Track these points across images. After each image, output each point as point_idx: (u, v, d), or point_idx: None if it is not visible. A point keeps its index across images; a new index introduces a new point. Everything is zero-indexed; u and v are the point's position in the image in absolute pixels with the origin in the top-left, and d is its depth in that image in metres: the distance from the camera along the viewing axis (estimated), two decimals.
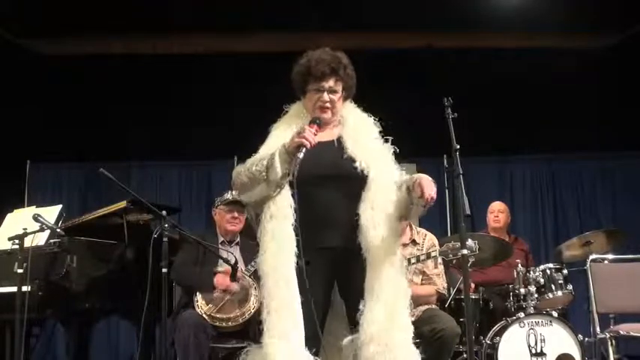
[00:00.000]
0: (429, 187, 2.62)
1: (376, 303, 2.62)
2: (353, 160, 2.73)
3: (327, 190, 2.70)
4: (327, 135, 2.79)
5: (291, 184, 2.67)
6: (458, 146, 2.82)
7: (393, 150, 2.84)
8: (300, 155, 2.61)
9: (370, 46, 6.67)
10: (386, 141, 2.85)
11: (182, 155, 6.91)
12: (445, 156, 5.47)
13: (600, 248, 4.95)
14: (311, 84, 2.79)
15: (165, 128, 6.62)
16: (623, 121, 6.58)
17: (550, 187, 7.10)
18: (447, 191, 6.66)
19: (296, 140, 2.65)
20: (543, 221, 6.99)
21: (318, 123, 2.74)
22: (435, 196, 2.64)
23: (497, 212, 5.49)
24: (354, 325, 2.70)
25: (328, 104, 2.78)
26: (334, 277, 2.76)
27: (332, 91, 2.79)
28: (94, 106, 6.58)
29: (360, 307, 2.64)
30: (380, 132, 2.87)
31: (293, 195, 2.67)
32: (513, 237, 5.57)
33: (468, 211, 2.71)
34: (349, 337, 2.71)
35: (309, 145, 2.63)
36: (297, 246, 2.64)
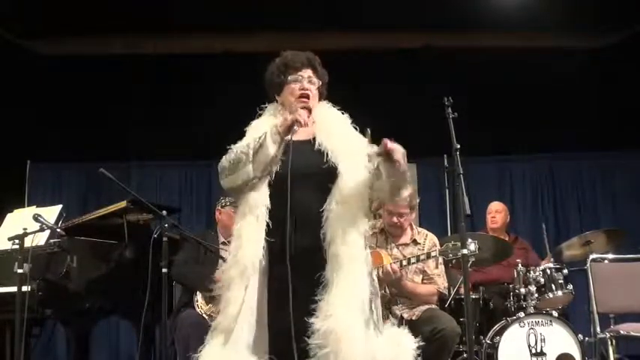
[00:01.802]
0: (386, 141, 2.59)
1: (331, 295, 2.55)
2: (325, 156, 2.70)
3: (302, 189, 2.66)
4: (303, 134, 2.78)
5: (270, 183, 2.66)
6: (458, 146, 2.82)
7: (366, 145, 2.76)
8: (295, 127, 2.63)
9: (370, 46, 6.67)
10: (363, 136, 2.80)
11: (182, 155, 6.91)
12: (445, 156, 5.47)
13: (600, 248, 4.95)
14: (289, 75, 2.82)
15: (165, 128, 6.62)
16: (623, 121, 6.58)
17: (550, 187, 7.10)
18: (447, 191, 6.66)
19: (290, 117, 2.66)
20: (543, 221, 6.98)
21: (309, 109, 2.75)
22: (393, 145, 2.58)
23: (494, 213, 5.50)
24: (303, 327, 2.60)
25: (309, 92, 2.79)
26: (307, 278, 2.63)
27: (310, 81, 2.82)
28: (94, 106, 6.58)
29: (317, 298, 2.57)
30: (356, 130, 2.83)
31: (271, 194, 2.65)
32: (513, 236, 5.57)
33: (468, 211, 2.71)
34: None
35: (302, 122, 2.65)
36: (270, 247, 2.62)
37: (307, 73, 2.83)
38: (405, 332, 2.74)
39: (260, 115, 2.91)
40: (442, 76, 6.20)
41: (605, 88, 6.62)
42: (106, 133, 6.60)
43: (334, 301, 2.54)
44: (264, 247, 2.64)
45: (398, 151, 2.60)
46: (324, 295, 2.56)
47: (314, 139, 2.77)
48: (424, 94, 5.07)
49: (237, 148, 2.72)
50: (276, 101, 2.91)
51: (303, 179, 2.66)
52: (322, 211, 2.64)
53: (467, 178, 2.84)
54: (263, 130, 2.73)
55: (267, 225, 2.64)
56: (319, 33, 6.32)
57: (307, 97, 2.80)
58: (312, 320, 2.53)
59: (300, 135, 2.73)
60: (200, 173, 7.07)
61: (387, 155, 2.60)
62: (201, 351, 2.66)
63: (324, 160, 2.69)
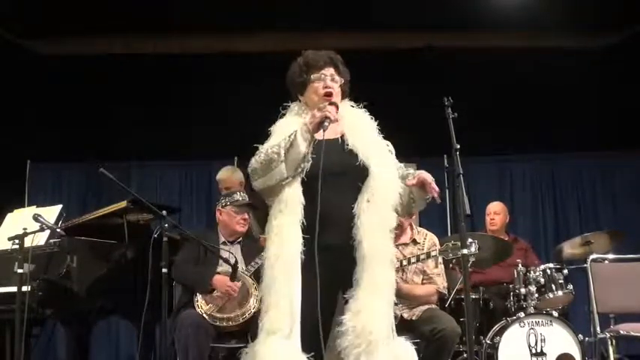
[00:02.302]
0: (430, 180, 2.68)
1: (362, 294, 2.61)
2: (355, 155, 2.74)
3: (334, 187, 2.69)
4: (331, 132, 2.79)
5: (302, 181, 2.69)
6: (458, 146, 2.82)
7: (390, 147, 2.86)
8: (326, 124, 2.63)
9: (370, 46, 6.67)
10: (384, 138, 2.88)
11: (182, 155, 6.91)
12: (445, 156, 5.47)
13: (600, 248, 4.95)
14: (312, 74, 2.83)
15: (166, 128, 6.62)
16: (623, 121, 6.58)
17: (550, 187, 7.10)
18: (447, 191, 6.65)
19: (318, 115, 2.66)
20: (543, 221, 6.99)
21: (336, 105, 2.76)
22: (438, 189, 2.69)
23: (492, 215, 5.49)
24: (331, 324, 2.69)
25: (332, 90, 2.81)
26: (338, 276, 2.72)
27: (333, 79, 2.84)
28: (94, 106, 6.58)
29: (346, 296, 2.63)
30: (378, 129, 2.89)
31: (303, 192, 2.68)
32: (513, 237, 5.56)
33: (468, 211, 2.71)
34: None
35: (332, 118, 2.66)
36: (306, 244, 2.64)
37: (330, 71, 2.85)
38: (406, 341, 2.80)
39: (283, 114, 2.92)
40: (442, 76, 6.20)
41: (605, 88, 6.62)
42: (106, 133, 6.60)
43: (364, 299, 2.60)
44: (303, 244, 2.66)
45: (438, 192, 2.71)
46: (354, 293, 2.61)
47: (342, 137, 2.79)
48: (424, 94, 5.07)
49: (268, 148, 2.71)
50: (299, 101, 2.92)
51: (335, 177, 2.68)
52: (353, 209, 2.67)
53: (467, 178, 2.84)
54: (290, 129, 2.74)
55: (303, 223, 2.66)
56: (319, 33, 6.32)
57: (331, 95, 2.81)
58: (342, 318, 2.60)
59: (328, 133, 2.74)
60: (200, 173, 7.07)
61: (421, 185, 2.70)
62: (251, 348, 2.68)
63: (356, 159, 2.73)
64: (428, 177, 2.72)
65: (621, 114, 6.58)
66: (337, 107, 2.76)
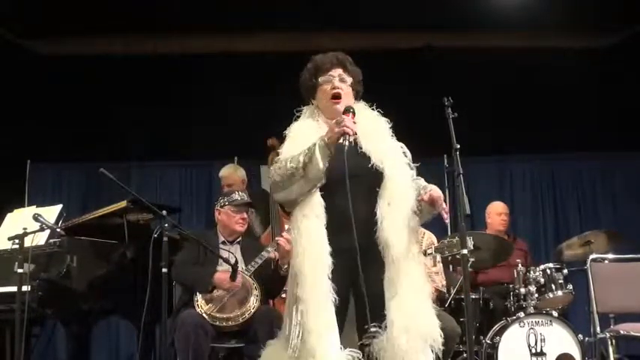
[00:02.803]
0: (442, 199, 2.70)
1: (400, 297, 2.64)
2: (368, 158, 2.76)
3: (347, 190, 2.66)
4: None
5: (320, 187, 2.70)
6: (458, 146, 2.82)
7: (405, 149, 2.88)
8: (346, 143, 2.62)
9: (370, 46, 6.67)
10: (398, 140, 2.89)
11: (182, 155, 6.91)
12: (445, 156, 5.47)
13: (600, 248, 4.95)
14: (320, 77, 2.85)
15: (166, 128, 6.62)
16: (623, 121, 6.58)
17: (550, 187, 7.09)
18: (447, 191, 6.65)
19: (337, 130, 2.65)
20: (543, 221, 6.98)
21: (353, 111, 2.75)
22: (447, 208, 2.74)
23: (504, 215, 5.48)
24: (362, 328, 2.70)
25: (340, 90, 2.82)
26: (352, 277, 2.72)
27: (341, 79, 2.85)
28: (94, 106, 6.58)
29: (386, 300, 2.65)
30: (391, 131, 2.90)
31: (322, 195, 2.70)
32: (512, 237, 5.57)
33: (468, 211, 2.71)
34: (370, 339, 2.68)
35: (351, 133, 2.64)
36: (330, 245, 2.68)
37: (337, 72, 2.86)
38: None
39: (297, 117, 2.93)
40: (442, 76, 6.20)
41: (605, 89, 6.62)
42: (106, 133, 6.60)
43: (412, 302, 2.63)
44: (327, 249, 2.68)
45: (442, 203, 2.72)
46: (391, 297, 2.64)
47: (355, 140, 2.77)
48: (424, 94, 5.07)
49: (287, 161, 2.71)
50: (312, 104, 2.94)
51: (351, 181, 2.66)
52: (374, 212, 2.70)
53: (467, 178, 2.84)
54: (305, 134, 2.77)
55: (327, 226, 2.69)
56: (319, 33, 6.32)
57: (339, 95, 2.83)
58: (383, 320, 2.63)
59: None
60: (200, 173, 7.07)
61: (431, 202, 2.71)
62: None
63: (368, 165, 2.74)
64: (440, 196, 2.72)
65: (621, 114, 6.58)
66: (354, 114, 2.74)
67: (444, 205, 2.73)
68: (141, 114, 6.57)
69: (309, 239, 2.67)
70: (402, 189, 2.74)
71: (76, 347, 4.09)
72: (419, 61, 6.63)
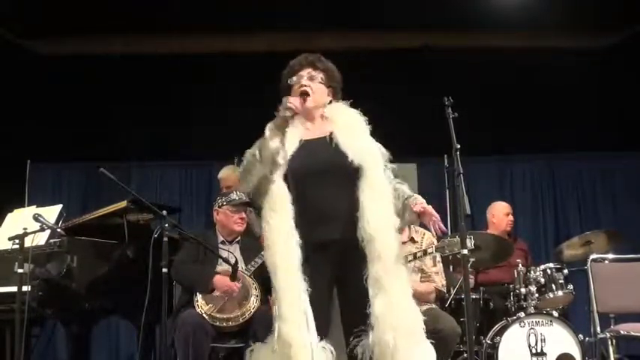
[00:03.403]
0: (436, 217, 2.74)
1: (386, 293, 2.65)
2: (345, 155, 2.78)
3: (323, 185, 2.76)
4: (318, 132, 2.88)
5: (286, 179, 2.76)
6: (458, 146, 2.83)
7: (383, 149, 2.89)
8: (287, 113, 2.76)
9: (370, 45, 6.67)
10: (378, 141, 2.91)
11: (182, 155, 6.91)
12: (445, 156, 5.47)
13: (600, 248, 4.95)
14: (291, 79, 2.93)
15: (165, 128, 6.62)
16: (623, 121, 6.58)
17: (550, 187, 7.10)
18: (447, 191, 6.66)
19: (282, 109, 2.78)
20: (543, 221, 6.99)
21: (305, 93, 2.85)
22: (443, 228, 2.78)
23: (511, 215, 5.46)
24: (349, 324, 2.73)
25: (307, 88, 2.88)
26: (334, 272, 2.79)
27: (310, 78, 2.91)
28: (94, 106, 6.58)
29: (370, 297, 2.66)
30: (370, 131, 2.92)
31: (290, 189, 2.75)
32: (513, 237, 5.56)
33: (468, 211, 2.72)
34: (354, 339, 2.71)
35: (294, 108, 2.77)
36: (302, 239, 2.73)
37: (306, 71, 2.93)
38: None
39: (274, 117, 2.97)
40: (442, 76, 6.20)
41: (605, 88, 6.62)
42: (106, 133, 6.60)
43: (393, 297, 2.65)
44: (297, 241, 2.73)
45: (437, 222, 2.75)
46: (377, 291, 2.65)
47: (330, 136, 2.84)
48: (424, 94, 5.07)
49: (248, 152, 2.83)
50: None
51: (321, 175, 2.75)
52: (355, 207, 2.72)
53: (467, 178, 2.85)
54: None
55: (295, 221, 2.74)
56: (319, 33, 6.32)
57: (306, 92, 2.88)
58: (369, 313, 2.64)
59: (314, 133, 2.86)
60: (200, 173, 7.07)
61: (423, 216, 2.76)
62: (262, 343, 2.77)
63: (343, 158, 2.77)
64: (434, 213, 2.75)
65: (621, 114, 6.58)
66: (306, 95, 2.85)
67: (440, 224, 2.76)
68: (141, 114, 6.57)
69: (278, 232, 2.72)
70: (383, 186, 2.76)
71: (76, 347, 4.09)
72: (419, 61, 6.63)
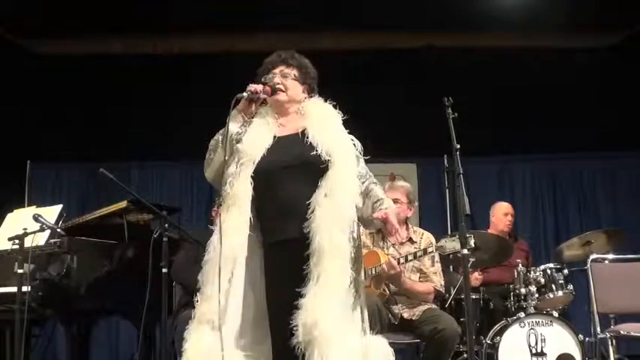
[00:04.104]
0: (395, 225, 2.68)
1: (312, 289, 2.57)
2: (314, 148, 2.74)
3: (290, 180, 2.73)
4: (292, 128, 2.85)
5: (252, 177, 2.74)
6: (458, 146, 2.83)
7: (357, 146, 2.85)
8: (246, 94, 2.83)
9: (370, 46, 6.67)
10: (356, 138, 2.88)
11: (182, 155, 6.91)
12: (445, 156, 5.47)
13: (600, 248, 4.95)
14: (266, 77, 2.94)
15: (165, 128, 6.62)
16: (623, 121, 6.58)
17: (550, 187, 7.10)
18: (447, 191, 6.66)
19: (244, 97, 2.85)
20: (543, 221, 6.99)
21: (271, 86, 2.88)
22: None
23: (510, 216, 5.47)
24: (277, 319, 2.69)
25: (279, 86, 2.89)
26: (293, 271, 2.66)
27: (283, 75, 2.93)
28: (94, 106, 6.58)
29: (302, 291, 2.59)
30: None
31: (254, 187, 2.73)
32: (514, 237, 5.57)
33: (468, 211, 2.71)
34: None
35: (253, 91, 2.83)
36: (258, 238, 2.73)
37: (279, 69, 2.96)
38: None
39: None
40: (442, 76, 6.20)
41: (606, 88, 6.62)
42: (106, 133, 6.60)
43: (315, 294, 2.56)
44: (248, 239, 2.70)
45: (396, 230, 2.71)
46: (307, 289, 2.58)
47: (303, 132, 2.82)
48: (424, 94, 5.07)
49: (212, 139, 2.90)
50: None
51: (289, 171, 2.73)
52: (309, 203, 2.67)
53: (467, 178, 2.84)
54: (253, 131, 2.87)
55: (251, 218, 2.71)
56: (319, 33, 6.32)
57: (279, 90, 2.89)
58: (295, 313, 2.57)
59: (287, 129, 2.85)
60: (200, 173, 7.02)
61: (385, 222, 2.71)
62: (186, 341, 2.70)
63: (314, 153, 2.73)
64: (394, 222, 2.68)
65: (621, 114, 6.58)
66: (271, 88, 2.87)
67: (399, 233, 2.77)
68: (141, 114, 6.57)
69: (225, 230, 2.68)
70: (344, 182, 2.69)
71: (76, 347, 4.09)
72: (419, 61, 6.63)
